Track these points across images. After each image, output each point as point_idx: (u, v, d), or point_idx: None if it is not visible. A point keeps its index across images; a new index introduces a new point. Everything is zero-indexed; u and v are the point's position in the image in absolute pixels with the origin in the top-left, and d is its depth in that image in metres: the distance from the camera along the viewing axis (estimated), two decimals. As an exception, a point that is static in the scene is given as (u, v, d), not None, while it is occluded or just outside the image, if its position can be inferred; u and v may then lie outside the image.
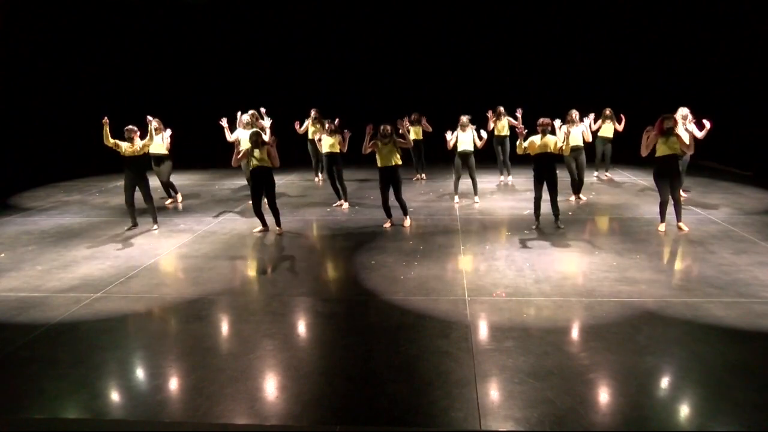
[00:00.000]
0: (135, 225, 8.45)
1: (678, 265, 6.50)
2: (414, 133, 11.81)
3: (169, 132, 9.81)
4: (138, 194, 8.24)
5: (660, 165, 7.55)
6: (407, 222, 8.40)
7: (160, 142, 9.78)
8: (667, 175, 7.51)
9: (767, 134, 12.67)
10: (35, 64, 15.30)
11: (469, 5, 16.80)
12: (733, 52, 14.14)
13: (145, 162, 8.23)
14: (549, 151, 7.70)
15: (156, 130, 9.74)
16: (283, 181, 12.57)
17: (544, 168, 7.78)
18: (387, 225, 8.37)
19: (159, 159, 9.91)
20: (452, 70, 17.35)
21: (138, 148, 8.06)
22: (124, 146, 8.02)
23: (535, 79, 16.72)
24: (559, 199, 7.96)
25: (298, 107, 11.06)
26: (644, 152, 7.63)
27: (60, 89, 15.97)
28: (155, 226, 8.39)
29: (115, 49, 16.85)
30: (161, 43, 17.40)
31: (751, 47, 13.60)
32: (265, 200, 8.05)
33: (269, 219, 8.20)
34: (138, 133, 8.14)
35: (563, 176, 10.14)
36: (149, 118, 8.37)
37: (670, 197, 7.60)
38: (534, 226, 8.12)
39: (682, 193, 9.67)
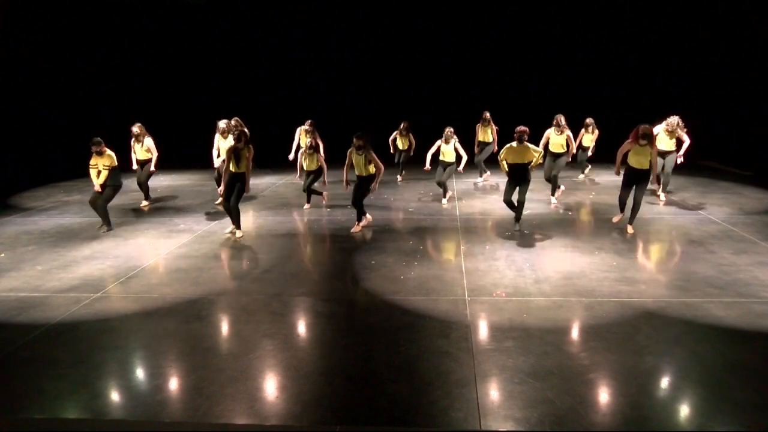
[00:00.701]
0: (109, 227, 8.45)
1: (678, 265, 6.50)
2: (401, 144, 11.94)
3: (150, 140, 9.80)
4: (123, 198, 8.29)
5: (628, 173, 7.69)
6: (357, 227, 8.17)
7: (139, 149, 9.81)
8: (633, 184, 7.67)
9: (767, 134, 12.68)
10: (35, 64, 15.30)
11: (467, 6, 16.80)
12: (733, 52, 14.15)
13: (117, 171, 8.24)
14: (524, 162, 7.75)
15: (137, 136, 9.77)
16: (282, 182, 12.58)
17: (519, 174, 7.83)
18: (362, 225, 8.32)
19: (142, 163, 9.97)
20: (451, 71, 17.35)
21: (106, 163, 8.10)
22: (100, 164, 8.08)
23: (535, 80, 16.73)
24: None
25: (298, 107, 11.06)
26: (617, 167, 7.78)
27: (60, 89, 15.97)
28: (105, 228, 8.37)
29: (115, 49, 16.85)
30: (161, 43, 17.40)
31: (751, 47, 13.60)
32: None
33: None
34: (103, 144, 8.08)
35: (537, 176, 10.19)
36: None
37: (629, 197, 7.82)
38: (516, 228, 8.06)
39: (662, 196, 9.68)
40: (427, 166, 9.98)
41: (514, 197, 7.98)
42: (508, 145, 7.86)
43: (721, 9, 14.15)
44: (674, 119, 9.20)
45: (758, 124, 13.03)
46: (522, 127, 7.80)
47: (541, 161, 8.00)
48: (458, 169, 9.90)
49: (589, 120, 11.39)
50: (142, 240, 7.96)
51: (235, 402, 3.86)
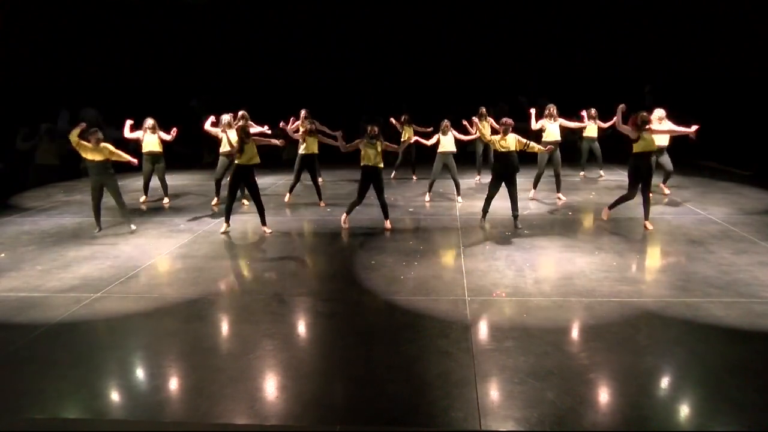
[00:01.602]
0: (100, 229, 8.31)
1: (678, 265, 6.50)
2: (406, 134, 11.90)
3: (171, 134, 9.82)
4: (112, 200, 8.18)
5: (637, 161, 7.63)
6: (388, 224, 8.23)
7: (154, 140, 9.79)
8: (643, 172, 7.64)
9: (767, 134, 12.67)
10: (35, 65, 15.30)
11: (465, 5, 16.81)
12: (733, 52, 14.15)
13: (109, 164, 7.99)
14: (512, 150, 7.78)
15: (152, 128, 9.78)
16: (282, 181, 12.57)
17: (504, 167, 7.85)
18: (344, 221, 8.31)
19: (155, 158, 9.92)
20: (449, 69, 17.36)
21: (103, 152, 7.84)
22: (86, 146, 7.78)
23: (534, 79, 16.73)
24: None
25: (297, 107, 11.09)
26: (619, 124, 7.76)
27: (60, 89, 15.96)
28: (133, 227, 8.31)
29: (115, 49, 16.84)
30: (161, 43, 17.39)
31: (751, 47, 13.60)
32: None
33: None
34: (101, 138, 7.90)
35: (530, 173, 10.20)
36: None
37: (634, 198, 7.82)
38: (481, 225, 8.17)
39: (666, 190, 9.86)
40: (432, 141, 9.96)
41: (495, 201, 8.08)
42: (496, 136, 7.96)
43: (721, 9, 14.15)
44: (660, 111, 9.24)
45: (758, 124, 13.02)
46: (509, 120, 7.88)
47: (536, 149, 8.06)
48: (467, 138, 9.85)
49: (593, 111, 11.36)
50: (142, 240, 7.96)
51: (235, 402, 3.86)
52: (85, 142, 7.83)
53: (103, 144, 7.90)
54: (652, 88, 9.15)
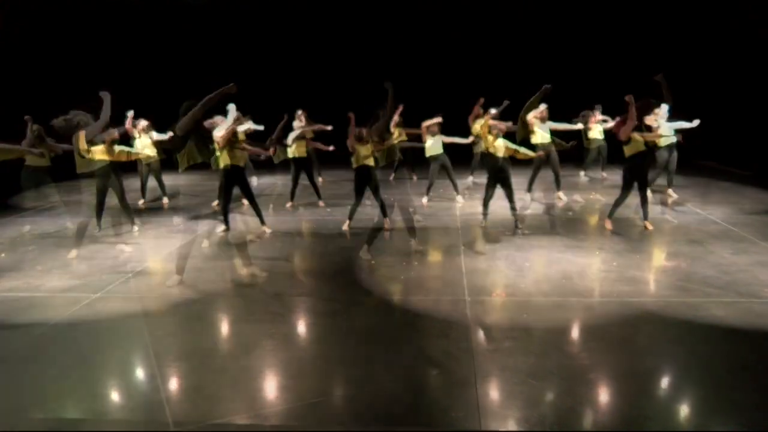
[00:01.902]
0: (100, 229, 8.28)
1: (678, 265, 6.50)
2: (399, 135, 11.88)
3: (167, 134, 9.80)
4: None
5: (631, 163, 7.59)
6: (387, 223, 8.23)
7: (148, 142, 9.76)
8: (638, 174, 7.61)
9: (767, 134, 12.67)
10: (35, 64, 15.30)
11: (465, 5, 16.81)
12: (733, 52, 14.14)
13: (115, 165, 7.95)
14: (499, 155, 7.79)
15: (145, 130, 9.75)
16: (282, 182, 12.57)
17: (499, 170, 7.86)
18: (345, 227, 8.32)
19: (150, 159, 9.90)
20: (446, 69, 17.35)
21: (112, 153, 7.77)
22: (96, 149, 7.69)
23: (535, 79, 16.70)
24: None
25: (295, 107, 11.11)
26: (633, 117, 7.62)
27: (60, 89, 15.96)
28: (135, 227, 8.30)
29: (115, 49, 16.83)
30: (161, 42, 17.38)
31: (752, 47, 13.60)
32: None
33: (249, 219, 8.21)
34: (117, 138, 7.86)
35: (527, 173, 10.25)
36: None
37: (629, 198, 7.79)
38: (482, 224, 8.23)
39: (673, 194, 9.82)
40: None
41: (494, 201, 8.11)
42: (490, 137, 7.94)
43: (721, 9, 14.15)
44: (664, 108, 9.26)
45: (758, 124, 13.02)
46: (500, 125, 7.90)
47: (526, 154, 8.04)
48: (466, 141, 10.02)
49: (598, 114, 11.34)
50: (142, 240, 7.96)
51: (235, 402, 3.86)
52: (94, 147, 7.81)
53: (117, 148, 7.87)
54: (663, 77, 8.99)
